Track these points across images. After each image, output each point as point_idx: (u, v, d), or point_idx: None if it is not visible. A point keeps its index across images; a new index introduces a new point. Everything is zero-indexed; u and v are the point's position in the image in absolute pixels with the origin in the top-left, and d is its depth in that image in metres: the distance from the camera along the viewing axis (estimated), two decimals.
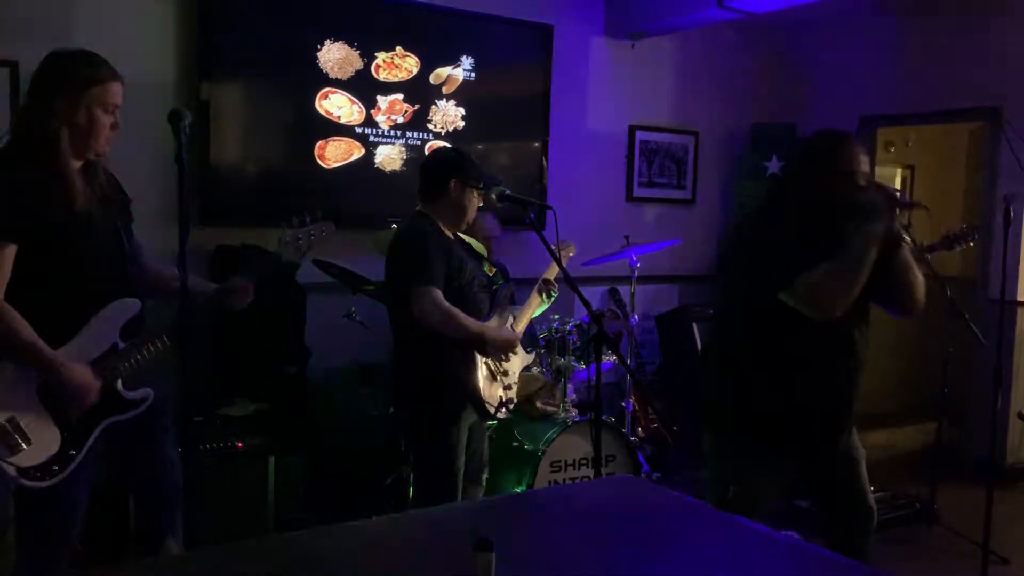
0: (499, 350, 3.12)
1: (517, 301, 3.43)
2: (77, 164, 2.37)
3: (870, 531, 2.70)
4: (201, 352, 3.86)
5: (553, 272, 3.48)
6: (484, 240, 4.22)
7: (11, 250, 2.24)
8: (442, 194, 3.06)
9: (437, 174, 3.09)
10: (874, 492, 4.42)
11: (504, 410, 3.19)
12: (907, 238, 2.49)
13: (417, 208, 3.13)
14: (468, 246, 3.27)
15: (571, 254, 3.56)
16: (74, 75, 2.32)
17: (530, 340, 3.54)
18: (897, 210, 2.44)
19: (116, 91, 2.37)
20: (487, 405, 3.09)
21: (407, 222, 3.14)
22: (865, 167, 2.55)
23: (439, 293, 2.90)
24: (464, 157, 3.16)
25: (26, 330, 2.22)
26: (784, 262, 2.44)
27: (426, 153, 4.81)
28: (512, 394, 3.23)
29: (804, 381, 2.52)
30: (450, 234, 3.12)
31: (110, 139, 2.38)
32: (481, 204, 3.14)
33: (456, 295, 2.98)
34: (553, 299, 3.50)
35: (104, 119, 2.34)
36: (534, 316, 3.58)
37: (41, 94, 2.30)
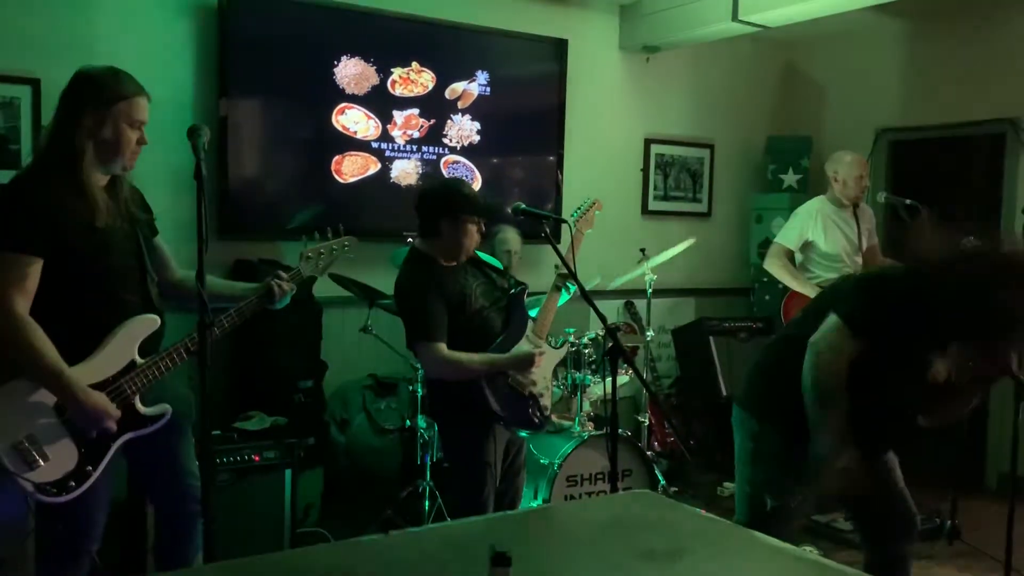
0: (517, 371, 3.10)
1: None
2: (103, 180, 2.41)
3: (913, 536, 2.67)
4: (219, 366, 3.90)
5: (576, 250, 3.34)
6: (504, 254, 4.22)
7: (38, 264, 2.27)
8: (435, 233, 3.03)
9: (427, 213, 3.05)
10: None
11: (539, 422, 3.13)
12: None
13: (415, 243, 3.11)
14: (476, 262, 3.23)
15: (597, 209, 3.49)
16: (102, 91, 2.35)
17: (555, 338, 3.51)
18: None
19: (142, 106, 2.40)
20: (519, 425, 3.09)
21: (404, 263, 3.10)
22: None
23: (441, 346, 2.92)
24: (454, 192, 3.09)
25: (50, 352, 2.23)
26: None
27: (443, 168, 4.84)
28: (545, 402, 3.18)
29: (874, 409, 2.46)
30: (455, 262, 3.09)
31: (137, 154, 2.41)
32: (483, 232, 3.09)
33: (466, 325, 2.98)
34: (573, 290, 3.38)
35: (130, 134, 2.37)
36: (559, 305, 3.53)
37: (70, 111, 2.34)
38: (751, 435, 2.67)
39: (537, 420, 3.14)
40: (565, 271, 3.17)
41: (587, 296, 2.86)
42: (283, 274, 2.64)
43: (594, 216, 3.47)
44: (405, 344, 3.11)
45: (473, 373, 2.96)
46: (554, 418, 4.19)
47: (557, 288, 3.30)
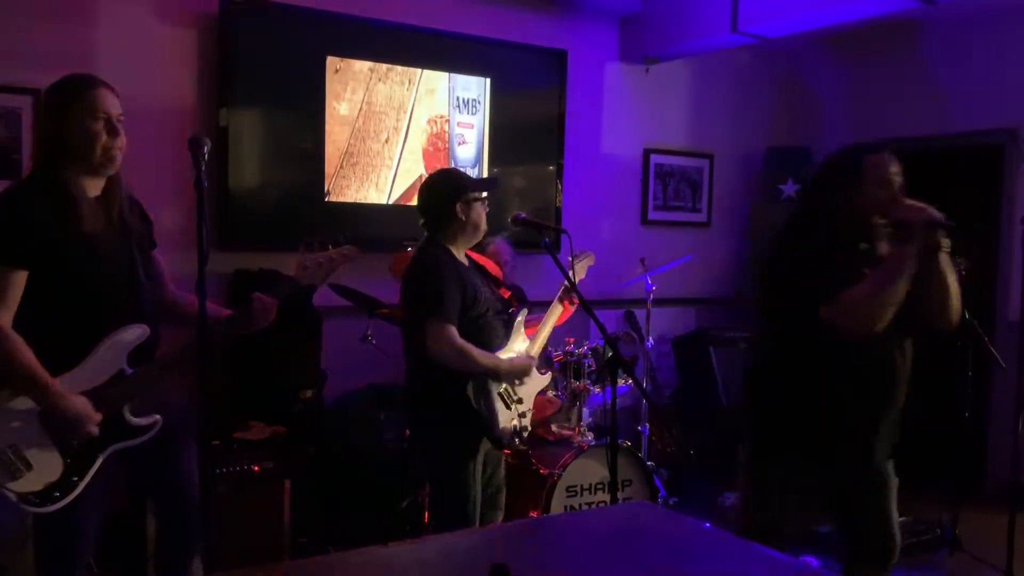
0: (514, 379, 3.11)
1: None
2: (95, 186, 2.40)
3: (890, 561, 2.64)
4: (218, 375, 3.90)
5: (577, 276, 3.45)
6: (499, 265, 4.23)
7: (21, 276, 2.27)
8: (450, 218, 3.03)
9: (440, 201, 3.05)
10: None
11: (518, 439, 3.16)
12: (946, 243, 2.45)
13: (426, 235, 3.10)
14: (482, 269, 3.26)
15: (590, 263, 3.54)
16: (58, 95, 2.36)
17: (545, 362, 3.54)
18: (939, 230, 2.42)
19: (102, 97, 2.36)
20: (500, 436, 3.08)
21: (421, 250, 3.10)
22: (899, 180, 2.51)
23: (453, 329, 2.89)
24: (457, 175, 3.20)
25: (26, 358, 2.23)
26: (825, 277, 2.43)
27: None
28: (527, 422, 3.20)
29: (841, 394, 2.52)
30: (464, 259, 3.11)
31: (111, 148, 2.36)
32: (488, 209, 3.12)
33: (471, 325, 2.97)
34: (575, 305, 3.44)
35: (95, 127, 2.33)
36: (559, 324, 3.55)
37: (40, 124, 2.38)
38: (756, 440, 2.74)
39: (518, 438, 3.14)
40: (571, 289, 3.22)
41: (587, 306, 2.86)
42: (260, 296, 2.54)
43: (585, 269, 3.52)
44: (408, 331, 3.04)
45: (475, 367, 2.94)
46: (554, 428, 4.19)
47: (560, 301, 3.32)
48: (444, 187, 3.09)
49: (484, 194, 3.10)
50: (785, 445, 2.62)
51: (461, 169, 3.24)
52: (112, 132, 2.36)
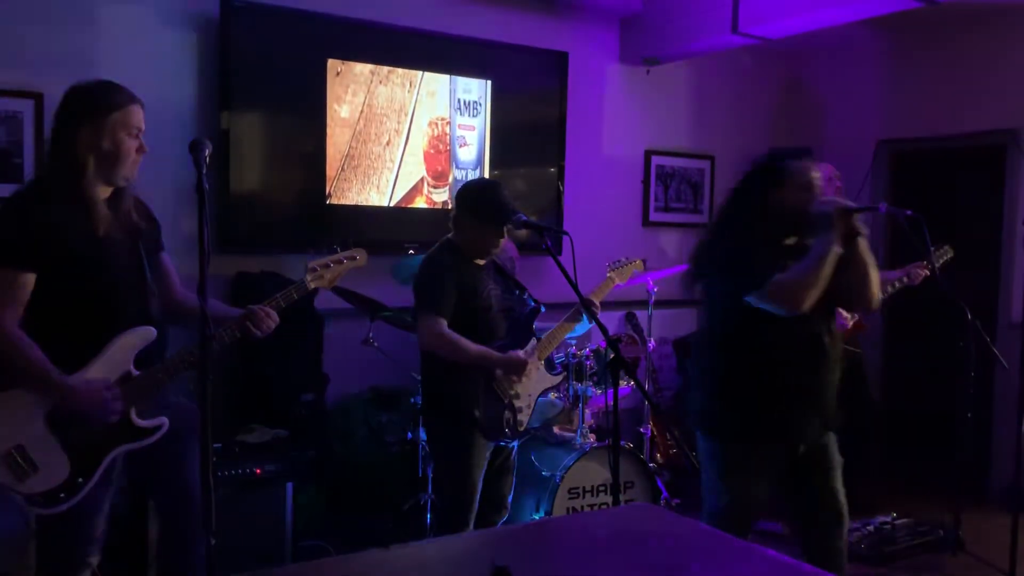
0: (507, 373, 3.14)
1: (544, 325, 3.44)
2: (106, 192, 2.41)
3: (842, 534, 2.78)
4: (219, 378, 3.89)
5: (600, 294, 3.53)
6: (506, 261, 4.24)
7: (28, 278, 2.27)
8: (461, 228, 3.16)
9: (458, 209, 3.19)
10: (897, 518, 4.39)
11: (509, 433, 3.18)
12: (863, 231, 2.64)
13: (449, 234, 3.22)
14: (500, 270, 3.31)
15: (636, 269, 3.68)
16: (96, 103, 2.36)
17: (548, 365, 3.54)
18: (853, 216, 2.62)
19: (138, 114, 2.41)
20: (488, 429, 3.11)
21: (435, 247, 3.23)
22: (819, 182, 2.75)
23: (440, 321, 3.03)
24: (485, 195, 3.16)
25: (33, 354, 2.24)
26: (752, 267, 2.62)
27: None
28: (523, 417, 3.23)
29: (774, 376, 2.67)
30: (480, 260, 3.19)
31: (137, 163, 2.42)
32: (504, 238, 3.19)
33: (470, 320, 3.08)
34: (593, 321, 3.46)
35: (129, 143, 2.37)
36: (572, 334, 3.56)
37: (66, 126, 2.36)
38: (703, 432, 2.93)
39: (508, 431, 3.18)
40: (594, 300, 3.35)
41: (589, 310, 2.88)
42: (255, 308, 2.52)
43: (631, 274, 3.66)
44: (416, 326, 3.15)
45: (464, 356, 3.04)
46: (556, 430, 4.19)
47: (572, 319, 3.37)
48: (467, 200, 3.17)
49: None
50: (726, 427, 2.77)
51: (498, 186, 3.28)
52: (140, 149, 2.41)
